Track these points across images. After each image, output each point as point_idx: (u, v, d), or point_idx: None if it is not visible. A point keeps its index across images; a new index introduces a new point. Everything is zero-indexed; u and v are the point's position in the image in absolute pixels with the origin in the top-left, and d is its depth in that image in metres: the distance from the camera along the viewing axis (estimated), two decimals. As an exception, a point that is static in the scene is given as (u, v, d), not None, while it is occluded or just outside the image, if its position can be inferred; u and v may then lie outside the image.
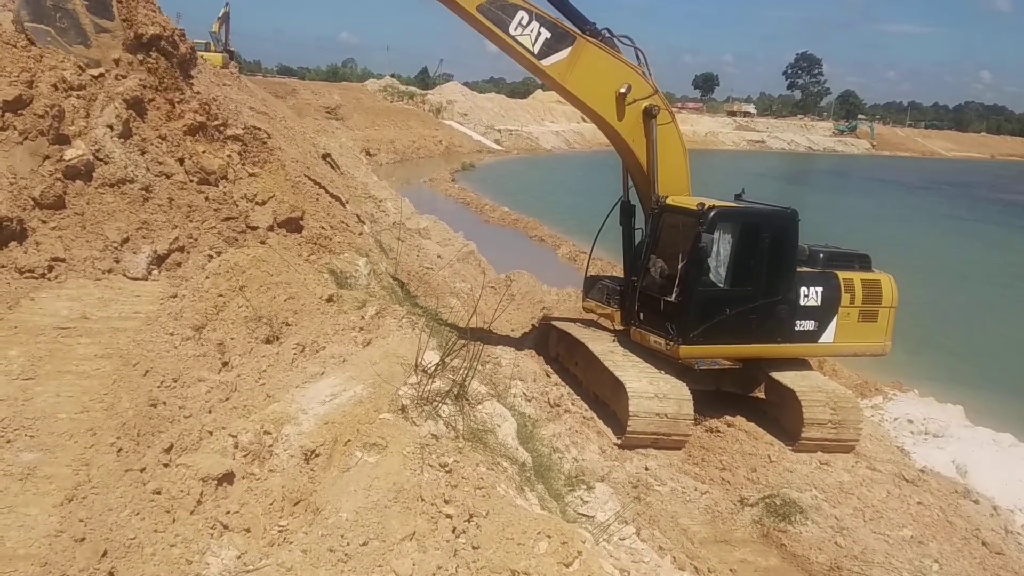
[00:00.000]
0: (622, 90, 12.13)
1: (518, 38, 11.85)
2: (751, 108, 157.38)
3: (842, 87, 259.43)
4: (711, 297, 11.81)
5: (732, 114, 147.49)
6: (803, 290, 12.18)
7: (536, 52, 11.90)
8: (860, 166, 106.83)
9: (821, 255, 12.67)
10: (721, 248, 11.77)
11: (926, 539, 9.66)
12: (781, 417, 12.07)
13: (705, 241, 11.34)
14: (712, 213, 11.47)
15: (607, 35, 12.35)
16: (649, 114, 12.27)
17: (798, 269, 12.27)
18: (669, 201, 12.25)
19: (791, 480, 10.69)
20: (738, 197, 12.94)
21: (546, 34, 11.91)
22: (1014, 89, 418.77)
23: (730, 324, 11.76)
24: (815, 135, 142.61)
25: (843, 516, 9.86)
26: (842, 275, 12.53)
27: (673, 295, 11.76)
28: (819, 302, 12.25)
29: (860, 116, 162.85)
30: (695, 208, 11.62)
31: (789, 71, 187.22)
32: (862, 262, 13.00)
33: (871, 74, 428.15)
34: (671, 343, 11.66)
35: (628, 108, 12.26)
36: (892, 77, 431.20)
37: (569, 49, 11.96)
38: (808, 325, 12.28)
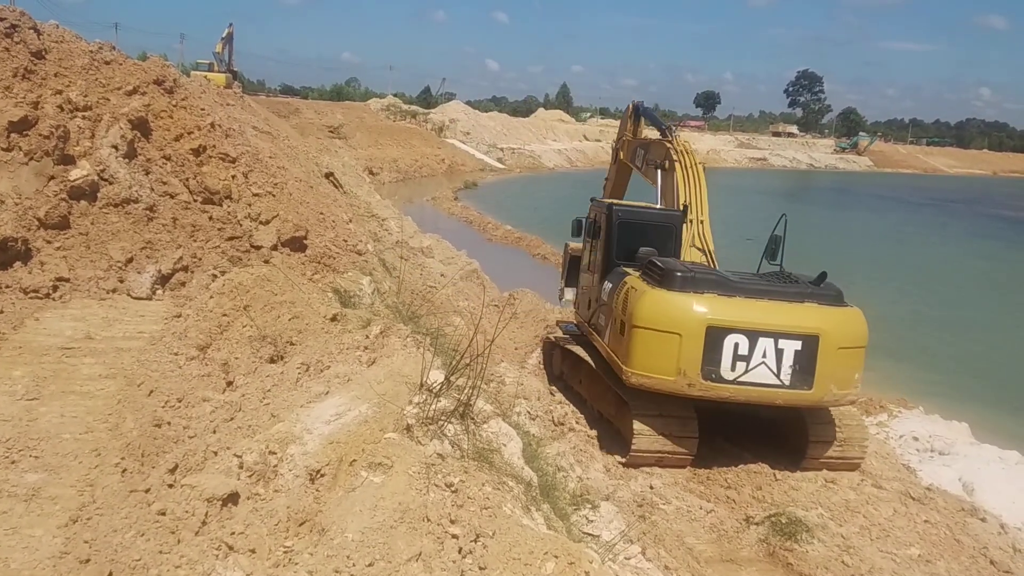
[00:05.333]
0: None
1: None
2: (794, 128, 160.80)
3: (843, 105, 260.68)
4: None
5: (776, 134, 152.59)
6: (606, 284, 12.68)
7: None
8: (862, 183, 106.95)
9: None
10: None
11: (934, 558, 9.57)
12: (786, 435, 12.00)
13: None
14: None
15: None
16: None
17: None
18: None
19: (797, 498, 10.61)
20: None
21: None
22: (1013, 106, 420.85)
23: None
24: (816, 152, 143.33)
25: (849, 534, 9.78)
26: (631, 276, 11.89)
27: None
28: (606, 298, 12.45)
29: (861, 133, 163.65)
30: None
31: (790, 89, 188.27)
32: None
33: (871, 91, 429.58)
34: None
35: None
36: (892, 94, 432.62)
37: None
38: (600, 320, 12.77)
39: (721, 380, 10.57)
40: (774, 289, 11.01)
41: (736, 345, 10.48)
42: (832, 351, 10.49)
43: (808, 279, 11.38)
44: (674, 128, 15.25)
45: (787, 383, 10.55)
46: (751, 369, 10.52)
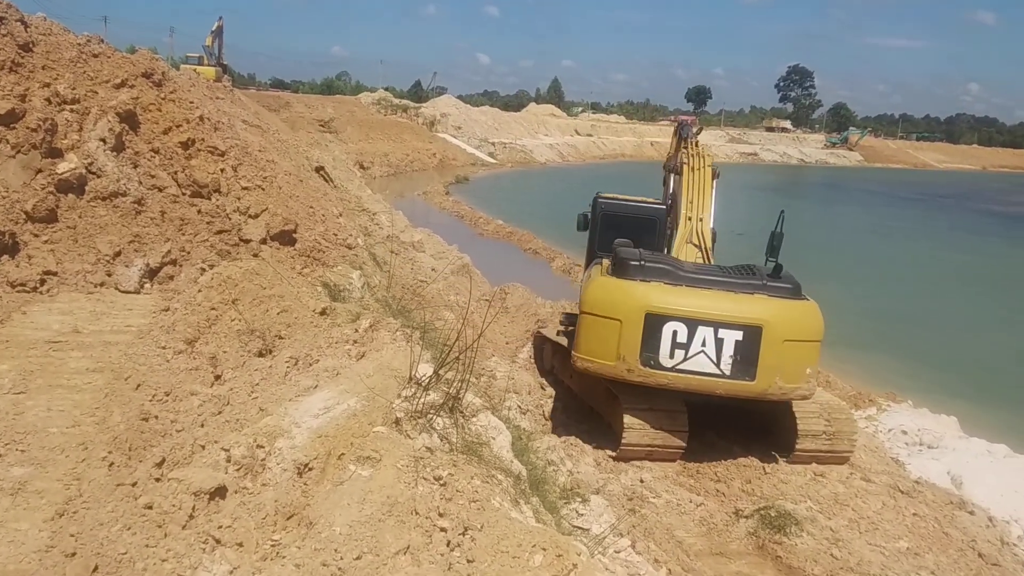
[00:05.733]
0: None
1: None
2: (787, 123, 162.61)
3: (833, 100, 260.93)
4: None
5: (771, 129, 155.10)
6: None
7: None
8: (852, 178, 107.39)
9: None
10: None
11: (922, 551, 9.61)
12: (776, 429, 12.04)
13: None
14: None
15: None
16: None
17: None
18: None
19: (786, 492, 10.65)
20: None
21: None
22: (1003, 101, 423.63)
23: None
24: (807, 147, 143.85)
25: (838, 528, 9.81)
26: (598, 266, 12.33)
27: None
28: None
29: (852, 127, 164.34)
30: None
31: (781, 84, 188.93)
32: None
33: (862, 87, 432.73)
34: None
35: None
36: (883, 90, 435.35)
37: None
38: None
39: (660, 367, 10.65)
40: (724, 280, 11.06)
41: (675, 333, 10.55)
42: (776, 343, 10.45)
43: (789, 273, 11.43)
44: (693, 131, 15.31)
45: (727, 373, 10.57)
46: (690, 357, 10.58)
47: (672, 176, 14.57)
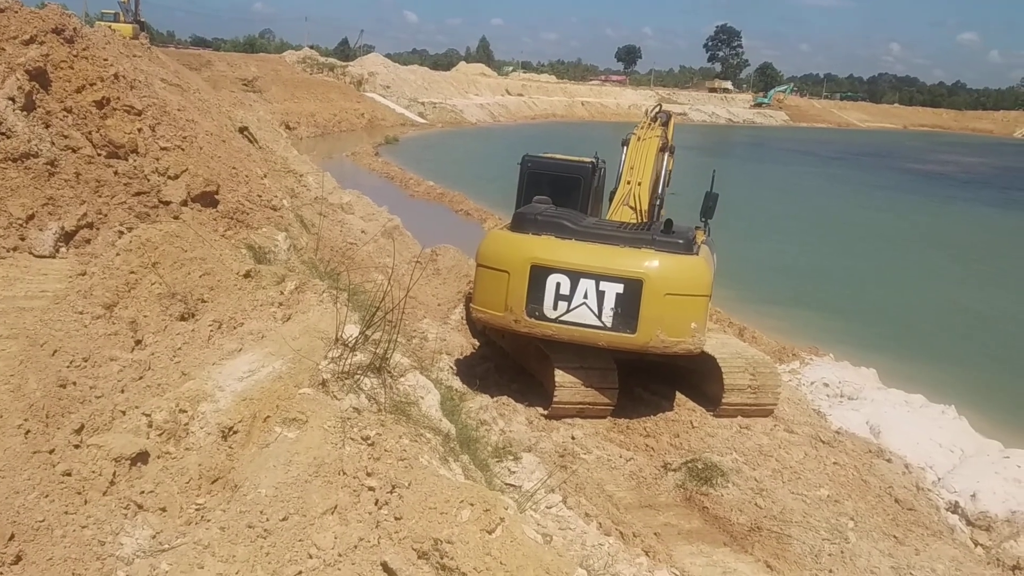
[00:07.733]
0: None
1: None
2: (728, 84, 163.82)
3: (760, 60, 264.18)
4: None
5: (713, 90, 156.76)
6: None
7: None
8: (777, 138, 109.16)
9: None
10: None
11: (842, 498, 9.96)
12: (702, 383, 12.30)
13: None
14: None
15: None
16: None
17: None
18: None
19: (712, 444, 10.90)
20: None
21: None
22: (921, 61, 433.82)
23: None
24: (735, 107, 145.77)
25: (762, 478, 10.10)
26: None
27: None
28: None
29: (777, 87, 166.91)
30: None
31: (709, 44, 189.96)
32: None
33: (787, 47, 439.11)
34: None
35: None
36: (806, 50, 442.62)
37: None
38: None
39: (544, 318, 10.94)
40: (612, 234, 11.31)
41: (558, 285, 10.81)
42: (657, 297, 10.64)
43: (688, 228, 11.74)
44: (663, 117, 15.73)
45: (609, 325, 10.80)
46: (572, 309, 10.84)
47: (623, 147, 14.92)
